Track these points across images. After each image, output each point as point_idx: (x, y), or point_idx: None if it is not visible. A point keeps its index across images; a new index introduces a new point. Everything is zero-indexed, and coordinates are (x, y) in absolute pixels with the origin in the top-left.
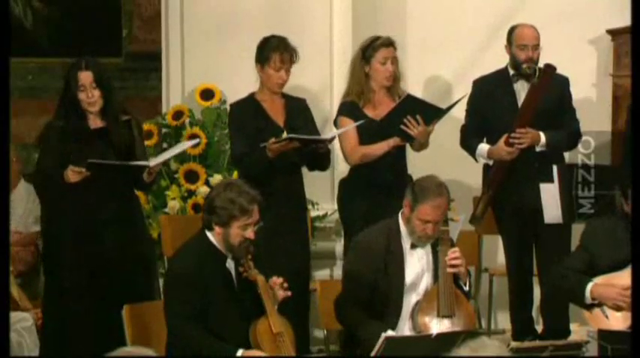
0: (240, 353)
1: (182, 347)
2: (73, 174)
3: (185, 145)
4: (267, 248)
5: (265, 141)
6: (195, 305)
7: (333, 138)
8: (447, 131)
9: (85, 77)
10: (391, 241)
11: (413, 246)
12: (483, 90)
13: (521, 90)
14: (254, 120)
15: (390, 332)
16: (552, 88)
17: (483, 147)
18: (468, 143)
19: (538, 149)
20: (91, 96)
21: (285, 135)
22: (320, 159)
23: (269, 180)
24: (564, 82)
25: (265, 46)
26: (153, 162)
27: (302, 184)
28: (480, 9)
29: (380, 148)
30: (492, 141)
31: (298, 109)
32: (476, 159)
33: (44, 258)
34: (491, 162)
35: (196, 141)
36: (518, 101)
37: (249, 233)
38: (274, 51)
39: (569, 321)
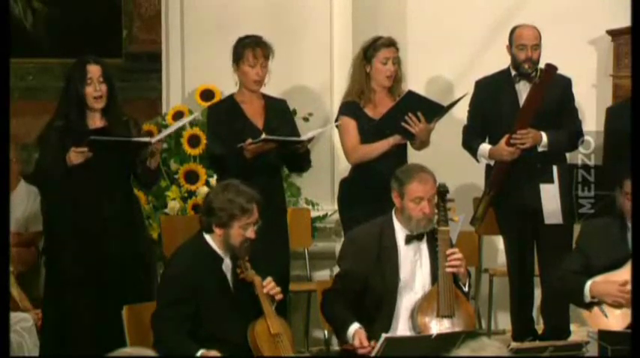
0: (199, 353)
1: (155, 344)
2: (75, 155)
3: (183, 121)
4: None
5: (243, 143)
6: (182, 308)
7: (310, 140)
8: (448, 131)
9: (94, 70)
10: (384, 236)
11: (408, 241)
12: (485, 91)
13: (523, 90)
14: (232, 121)
15: (354, 328)
16: (554, 89)
17: (485, 147)
18: (470, 143)
19: (540, 149)
20: (98, 90)
21: (263, 136)
22: (299, 160)
23: (247, 181)
24: (566, 82)
25: (238, 45)
26: (154, 139)
27: (281, 186)
28: (480, 9)
29: (381, 146)
30: (494, 142)
31: (278, 110)
32: (477, 160)
33: (45, 257)
34: (492, 163)
35: (193, 116)
36: (519, 101)
37: (250, 232)
38: (246, 47)
39: (570, 322)
